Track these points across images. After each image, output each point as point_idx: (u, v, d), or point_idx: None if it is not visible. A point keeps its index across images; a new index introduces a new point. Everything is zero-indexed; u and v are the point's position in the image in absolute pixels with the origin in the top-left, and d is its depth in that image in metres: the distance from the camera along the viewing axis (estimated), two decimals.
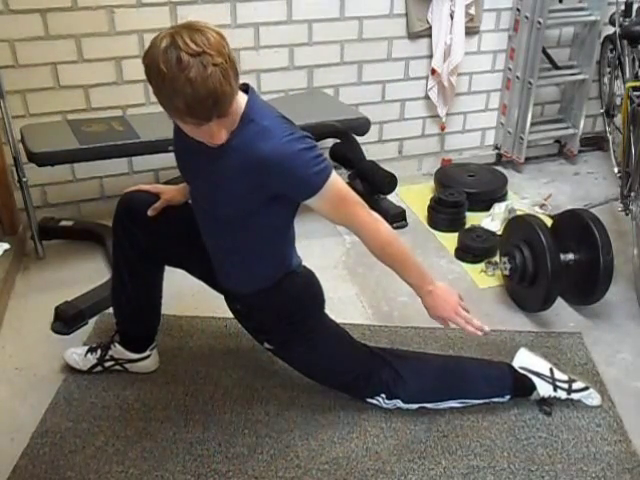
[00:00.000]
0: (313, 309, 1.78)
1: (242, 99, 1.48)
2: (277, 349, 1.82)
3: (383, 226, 1.59)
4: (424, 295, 1.68)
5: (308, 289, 1.66)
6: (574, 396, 1.88)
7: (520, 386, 1.88)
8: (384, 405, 1.85)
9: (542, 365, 1.90)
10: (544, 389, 1.87)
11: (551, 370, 1.89)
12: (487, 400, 1.88)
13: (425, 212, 2.96)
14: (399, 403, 1.84)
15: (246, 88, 1.51)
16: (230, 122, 1.42)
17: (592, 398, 1.90)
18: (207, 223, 1.68)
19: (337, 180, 1.51)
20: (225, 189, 1.54)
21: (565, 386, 1.87)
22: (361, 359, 1.82)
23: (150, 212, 1.76)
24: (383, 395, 1.83)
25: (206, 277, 1.87)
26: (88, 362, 2.00)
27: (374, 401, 1.85)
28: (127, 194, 1.82)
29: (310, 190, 1.48)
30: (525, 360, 1.92)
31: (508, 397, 1.88)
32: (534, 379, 1.87)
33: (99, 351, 1.99)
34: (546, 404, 1.89)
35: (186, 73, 1.26)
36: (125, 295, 1.88)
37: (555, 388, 1.87)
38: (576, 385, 1.88)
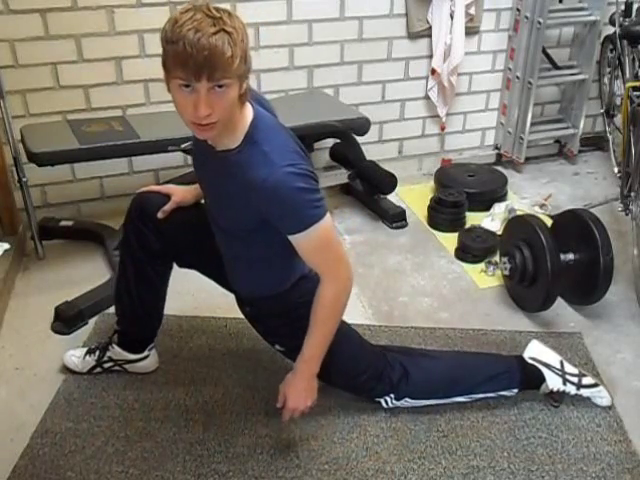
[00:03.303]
0: None
1: (248, 116, 1.47)
2: (288, 351, 1.80)
3: (341, 299, 1.58)
4: (298, 369, 1.65)
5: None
6: (583, 392, 1.87)
7: (529, 379, 1.87)
8: (391, 405, 1.85)
9: (552, 357, 1.89)
10: (553, 381, 1.86)
11: (561, 363, 1.88)
12: (495, 394, 1.88)
13: (425, 212, 2.96)
14: (407, 400, 1.84)
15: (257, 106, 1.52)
16: (227, 120, 1.39)
17: (602, 397, 1.89)
18: (216, 230, 1.68)
19: (326, 228, 1.48)
20: (226, 204, 1.55)
21: (575, 380, 1.86)
22: (372, 360, 1.81)
23: (160, 215, 1.75)
24: (392, 395, 1.83)
25: (217, 277, 1.86)
26: (87, 364, 2.00)
27: (382, 400, 1.84)
28: (140, 195, 1.81)
29: (295, 229, 1.46)
30: (536, 351, 1.91)
31: (516, 391, 1.88)
32: (543, 370, 1.86)
33: (97, 353, 1.99)
34: (554, 398, 1.89)
35: (195, 24, 1.27)
36: (129, 296, 1.88)
37: (564, 381, 1.86)
38: (586, 380, 1.88)
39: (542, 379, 1.87)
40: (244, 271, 1.71)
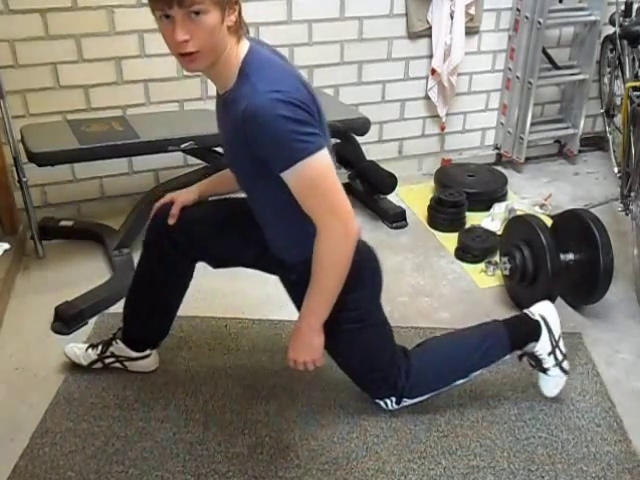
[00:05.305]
0: (370, 285, 1.70)
1: (241, 51, 1.44)
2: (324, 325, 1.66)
3: (335, 256, 1.48)
4: (297, 324, 1.61)
5: (366, 263, 1.61)
6: (553, 372, 1.85)
7: (518, 339, 1.85)
8: (390, 407, 1.84)
9: (557, 329, 1.86)
10: (543, 347, 1.84)
11: (560, 337, 1.86)
12: (489, 367, 1.87)
13: (425, 212, 2.96)
14: (405, 401, 1.83)
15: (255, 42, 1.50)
16: (210, 50, 1.37)
17: (556, 386, 1.88)
18: (244, 192, 1.64)
19: (317, 167, 1.39)
20: (231, 148, 1.53)
21: (560, 357, 1.85)
22: (392, 361, 1.78)
23: (170, 221, 1.74)
24: (393, 398, 1.82)
25: (254, 262, 1.81)
26: (88, 357, 2.00)
27: (382, 402, 1.84)
28: (156, 214, 1.79)
29: (281, 165, 1.39)
30: (548, 313, 1.87)
31: (508, 356, 1.87)
32: (543, 334, 1.83)
33: (100, 347, 2.00)
34: (531, 362, 1.89)
35: None
36: (141, 307, 1.90)
37: (551, 353, 1.84)
38: (565, 364, 1.86)
39: (534, 339, 1.83)
40: (281, 234, 1.64)
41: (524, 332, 1.86)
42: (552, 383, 1.89)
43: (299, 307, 1.67)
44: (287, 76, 1.44)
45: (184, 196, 1.79)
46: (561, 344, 1.86)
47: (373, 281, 1.72)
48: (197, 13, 1.32)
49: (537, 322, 1.85)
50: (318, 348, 1.62)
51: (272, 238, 1.69)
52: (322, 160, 1.40)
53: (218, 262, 1.86)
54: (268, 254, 1.71)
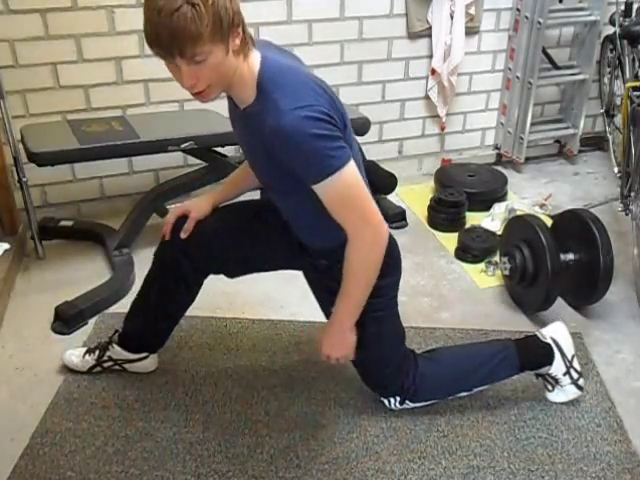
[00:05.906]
0: (394, 272, 1.71)
1: (254, 65, 1.41)
2: None
3: (366, 262, 1.51)
4: (330, 321, 1.65)
5: (391, 250, 1.62)
6: (569, 388, 1.88)
7: (529, 361, 1.86)
8: (393, 407, 1.85)
9: (569, 348, 1.88)
10: (558, 369, 1.86)
11: (573, 357, 1.87)
12: (496, 383, 1.89)
13: (425, 212, 2.96)
14: (408, 403, 1.84)
15: (265, 48, 1.47)
16: (221, 81, 1.36)
17: (565, 397, 1.90)
18: (269, 192, 1.64)
19: (344, 180, 1.40)
20: (259, 161, 1.53)
21: (575, 376, 1.87)
22: (403, 361, 1.79)
23: (182, 235, 1.73)
24: (397, 398, 1.83)
25: (278, 262, 1.83)
26: (87, 363, 2.00)
27: (385, 400, 1.85)
28: (174, 229, 1.76)
29: (311, 181, 1.40)
30: (559, 335, 1.88)
31: (516, 376, 1.88)
32: (556, 356, 1.85)
33: (97, 352, 1.99)
34: (547, 386, 1.91)
35: (161, 3, 1.23)
36: (152, 320, 1.90)
37: (566, 373, 1.86)
38: (581, 382, 1.88)
39: (548, 362, 1.85)
40: (310, 227, 1.64)
41: (534, 354, 1.87)
42: (563, 396, 1.91)
43: (332, 292, 1.62)
44: (304, 83, 1.41)
45: (198, 210, 1.76)
46: (575, 363, 1.88)
47: (397, 268, 1.73)
48: (198, 61, 1.29)
49: (548, 345, 1.86)
50: (350, 344, 1.67)
51: (300, 230, 1.68)
52: (350, 172, 1.41)
53: (237, 271, 1.86)
54: (291, 249, 1.72)
